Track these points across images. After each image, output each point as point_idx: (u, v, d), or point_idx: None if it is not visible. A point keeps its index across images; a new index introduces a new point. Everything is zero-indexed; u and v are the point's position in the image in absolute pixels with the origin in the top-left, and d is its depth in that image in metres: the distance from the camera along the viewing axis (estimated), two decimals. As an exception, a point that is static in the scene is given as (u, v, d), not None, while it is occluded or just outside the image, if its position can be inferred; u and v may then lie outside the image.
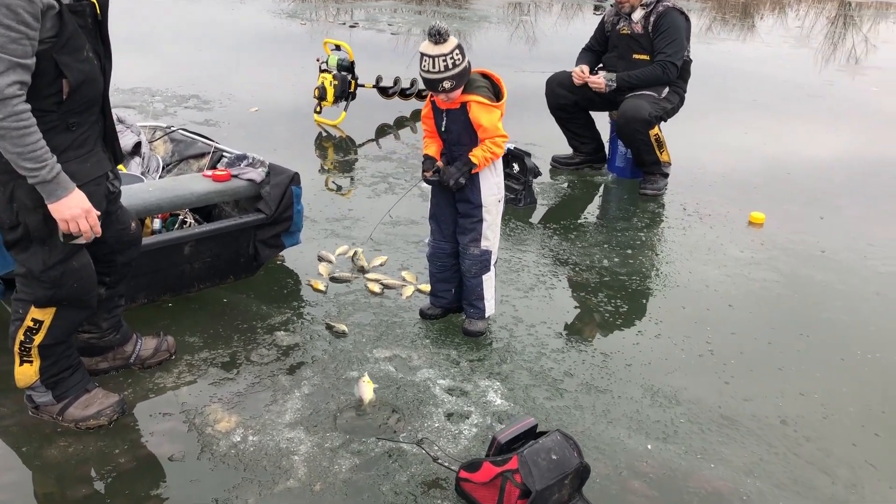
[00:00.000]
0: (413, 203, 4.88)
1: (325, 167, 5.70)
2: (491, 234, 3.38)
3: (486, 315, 3.50)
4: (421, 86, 7.06)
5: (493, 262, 3.44)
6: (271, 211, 3.67)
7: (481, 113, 3.16)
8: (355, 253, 4.16)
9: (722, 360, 3.42)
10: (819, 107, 8.28)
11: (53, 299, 2.55)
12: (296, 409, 2.93)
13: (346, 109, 6.51)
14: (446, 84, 3.12)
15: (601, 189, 5.53)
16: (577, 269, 4.19)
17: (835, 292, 4.10)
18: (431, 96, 3.24)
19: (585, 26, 13.06)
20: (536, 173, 4.99)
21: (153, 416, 2.87)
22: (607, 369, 3.30)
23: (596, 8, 15.05)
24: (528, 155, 4.93)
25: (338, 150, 6.09)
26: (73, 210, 2.38)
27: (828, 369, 3.40)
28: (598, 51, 5.45)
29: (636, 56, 5.18)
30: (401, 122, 6.85)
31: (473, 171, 3.24)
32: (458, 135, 3.29)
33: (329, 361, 3.24)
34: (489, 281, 3.46)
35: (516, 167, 4.98)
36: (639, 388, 3.18)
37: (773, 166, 6.10)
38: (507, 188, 4.95)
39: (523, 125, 6.39)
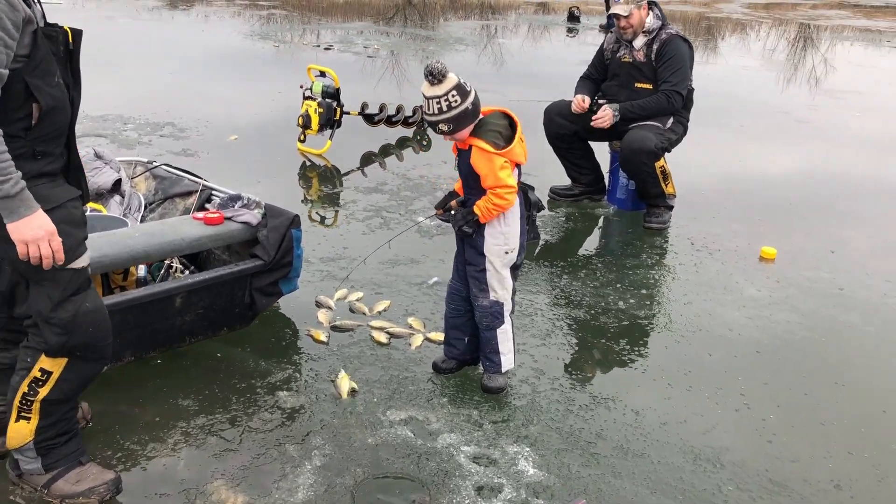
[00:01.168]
0: (413, 240, 4.61)
1: (313, 200, 5.40)
2: (498, 286, 3.12)
3: (503, 370, 3.23)
4: (408, 112, 6.81)
5: (506, 313, 3.17)
6: (269, 257, 3.37)
7: (479, 160, 2.93)
8: (359, 298, 3.88)
9: (760, 415, 3.19)
10: (808, 132, 8.19)
11: (66, 347, 2.29)
12: (308, 484, 2.63)
13: (331, 138, 6.23)
14: (443, 127, 2.92)
15: (602, 222, 5.31)
16: (592, 312, 3.95)
17: (861, 335, 3.91)
18: None
19: (560, 48, 12.96)
20: (540, 207, 4.76)
21: (148, 497, 2.54)
22: (641, 429, 3.04)
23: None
24: (532, 188, 4.69)
25: (324, 182, 5.80)
26: (36, 231, 2.12)
27: (871, 423, 3.19)
28: (596, 79, 5.26)
29: (638, 85, 4.99)
30: (386, 150, 6.57)
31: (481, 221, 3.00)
32: (465, 177, 3.05)
33: (339, 427, 2.94)
34: (504, 334, 3.19)
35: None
36: (678, 451, 2.93)
37: (773, 195, 5.94)
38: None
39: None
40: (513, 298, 3.20)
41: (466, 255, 3.15)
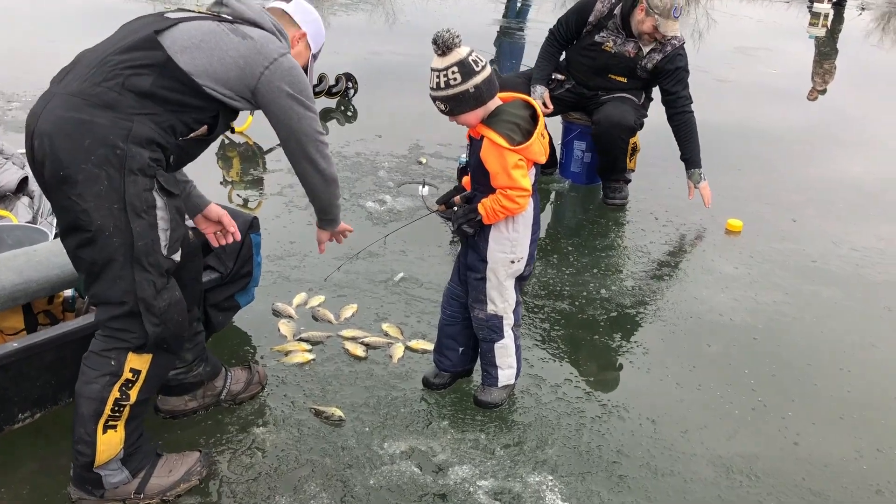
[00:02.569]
0: (365, 229, 4.17)
1: (239, 186, 4.85)
2: (498, 297, 2.76)
3: (500, 384, 2.88)
4: (331, 81, 6.27)
5: (506, 327, 2.82)
6: (227, 268, 2.88)
7: (490, 154, 2.54)
8: (321, 303, 3.43)
9: (778, 413, 2.98)
10: (731, 91, 8.12)
11: (159, 339, 2.18)
12: (311, 546, 2.22)
13: (252, 112, 5.62)
14: (439, 105, 2.55)
15: (559, 197, 5.00)
16: (577, 303, 3.64)
17: (847, 311, 3.78)
18: None
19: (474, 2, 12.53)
20: (501, 187, 4.39)
21: (118, 585, 2.08)
22: (662, 441, 2.77)
23: None
24: (492, 167, 4.32)
25: (248, 163, 5.23)
26: None
27: (890, 413, 3.04)
28: (565, 42, 4.70)
29: (613, 76, 4.57)
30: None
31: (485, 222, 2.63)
32: (474, 171, 2.67)
33: (333, 468, 2.53)
34: (503, 349, 2.84)
35: (478, 181, 4.36)
36: (708, 464, 2.68)
37: (717, 161, 5.75)
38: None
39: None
40: (517, 311, 2.84)
41: (467, 259, 2.77)
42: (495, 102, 2.58)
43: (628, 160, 4.66)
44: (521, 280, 2.82)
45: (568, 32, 4.64)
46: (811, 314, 3.72)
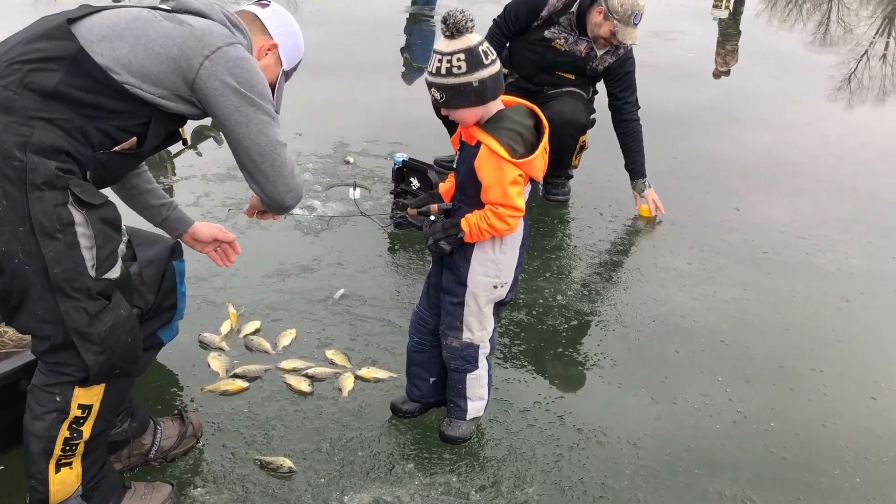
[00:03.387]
0: (293, 240, 3.80)
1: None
2: (476, 325, 2.47)
3: (468, 417, 2.59)
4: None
5: (481, 356, 2.53)
6: (148, 303, 2.48)
7: (487, 164, 2.24)
8: (255, 330, 3.06)
9: (761, 426, 2.80)
10: (654, 75, 8.01)
11: (106, 367, 1.87)
12: None
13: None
14: (434, 93, 2.23)
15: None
16: (534, 312, 3.38)
17: (808, 305, 3.65)
18: None
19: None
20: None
21: None
22: (647, 468, 2.55)
23: None
24: (430, 167, 4.01)
25: (154, 170, 4.75)
26: None
27: (869, 419, 2.90)
28: (509, 36, 4.36)
29: (561, 73, 4.29)
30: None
31: (465, 240, 2.32)
32: (462, 179, 2.36)
33: (288, 531, 2.19)
34: (476, 380, 2.55)
35: (416, 183, 4.04)
36: (700, 495, 2.47)
37: (654, 148, 5.61)
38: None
39: (363, 117, 5.42)
40: (492, 338, 2.54)
41: (442, 280, 2.46)
42: (497, 105, 2.29)
43: (574, 157, 4.42)
44: (499, 305, 2.53)
45: (517, 24, 4.29)
46: (773, 311, 3.57)
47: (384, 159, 4.88)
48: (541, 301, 3.48)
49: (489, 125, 2.25)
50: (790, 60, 8.68)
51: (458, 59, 2.16)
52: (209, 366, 2.85)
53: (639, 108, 4.32)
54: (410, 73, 7.33)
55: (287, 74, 2.17)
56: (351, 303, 3.33)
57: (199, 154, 4.90)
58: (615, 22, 3.93)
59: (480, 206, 2.28)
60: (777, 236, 4.31)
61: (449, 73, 2.17)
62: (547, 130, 2.34)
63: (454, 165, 2.43)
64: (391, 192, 4.15)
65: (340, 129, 5.33)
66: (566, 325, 3.32)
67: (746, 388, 3.00)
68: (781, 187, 5.00)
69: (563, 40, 4.17)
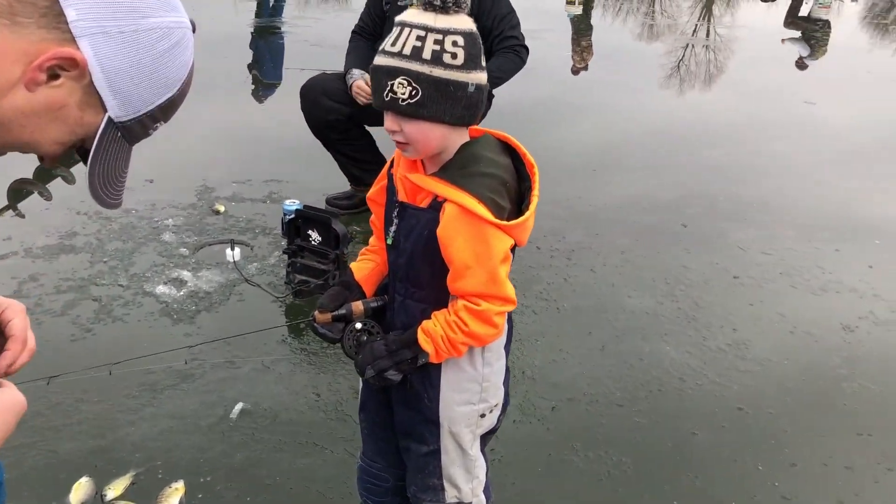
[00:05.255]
0: (166, 331, 2.82)
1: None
2: (463, 477, 1.65)
3: None
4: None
5: None
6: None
7: (459, 233, 1.43)
8: (126, 490, 2.08)
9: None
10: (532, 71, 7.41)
11: None
12: None
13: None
14: (399, 90, 1.37)
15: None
16: (502, 402, 2.57)
17: (834, 353, 3.04)
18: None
19: None
20: (348, 240, 3.19)
21: None
22: None
23: None
24: (334, 215, 3.12)
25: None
26: None
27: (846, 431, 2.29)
28: (373, 34, 3.74)
29: None
30: (47, 172, 4.40)
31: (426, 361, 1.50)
32: (409, 259, 1.52)
33: None
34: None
35: (315, 236, 3.14)
36: None
37: (570, 160, 4.94)
38: (309, 270, 3.12)
39: (227, 150, 4.44)
40: (487, 487, 1.71)
41: (397, 422, 1.60)
42: (464, 136, 1.47)
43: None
44: (488, 434, 1.69)
45: (370, 20, 3.74)
46: (780, 354, 2.92)
47: (263, 203, 3.95)
48: (505, 381, 2.67)
49: (454, 171, 1.45)
50: (625, 52, 8.60)
51: (455, 44, 1.35)
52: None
53: (518, 40, 3.61)
54: (262, 91, 6.40)
55: (124, 129, 0.96)
56: (255, 422, 2.41)
57: (22, 216, 3.77)
58: None
59: (440, 298, 1.47)
60: (738, 255, 3.71)
61: (438, 60, 1.35)
62: (535, 172, 1.55)
63: (389, 235, 1.58)
64: (284, 251, 3.23)
65: (201, 168, 4.34)
66: (549, 411, 2.53)
67: (795, 478, 2.31)
68: (721, 201, 4.43)
69: (415, 2, 3.46)
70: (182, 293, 3.09)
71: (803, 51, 9.44)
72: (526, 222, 1.49)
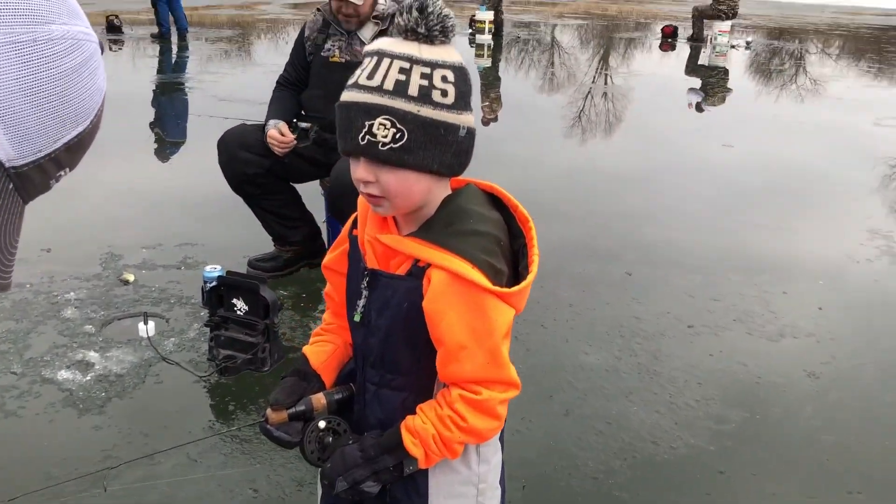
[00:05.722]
0: (69, 423, 2.42)
1: None
2: None
3: None
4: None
5: None
6: None
7: (452, 306, 1.18)
8: None
9: None
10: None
11: None
12: None
13: None
14: (380, 132, 1.12)
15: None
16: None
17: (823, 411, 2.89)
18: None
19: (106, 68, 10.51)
20: (278, 308, 2.87)
21: None
22: None
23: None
24: (262, 281, 2.80)
25: None
26: None
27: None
28: (297, 85, 3.53)
29: None
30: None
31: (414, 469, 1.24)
32: (384, 339, 1.27)
33: None
34: None
35: (242, 306, 2.81)
36: None
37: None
38: (236, 344, 2.79)
39: (136, 211, 4.08)
40: None
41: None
42: (446, 188, 1.24)
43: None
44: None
45: (293, 70, 3.53)
46: (750, 410, 2.75)
47: (178, 269, 3.59)
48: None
49: (438, 229, 1.20)
50: (530, 103, 8.78)
51: (445, 80, 1.12)
52: None
53: None
54: (167, 150, 6.04)
55: (24, 177, 0.66)
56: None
57: None
58: None
59: (424, 385, 1.24)
60: (689, 301, 3.57)
61: (426, 97, 1.11)
62: (532, 227, 1.32)
63: (356, 310, 1.31)
64: (206, 324, 2.88)
65: (105, 233, 3.95)
66: (520, 491, 2.25)
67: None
68: (658, 252, 4.33)
69: (338, 51, 3.37)
70: (89, 378, 2.70)
71: (702, 97, 9.73)
72: (527, 289, 1.25)
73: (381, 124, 1.10)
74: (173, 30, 12.25)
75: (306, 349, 1.43)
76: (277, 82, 3.58)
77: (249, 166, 3.38)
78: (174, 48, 11.47)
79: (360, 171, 1.16)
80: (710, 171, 5.91)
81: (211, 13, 17.28)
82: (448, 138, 1.14)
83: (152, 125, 6.82)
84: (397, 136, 1.11)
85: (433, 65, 1.11)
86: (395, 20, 1.15)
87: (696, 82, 11.10)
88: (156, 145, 6.13)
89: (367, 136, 1.11)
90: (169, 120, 7.34)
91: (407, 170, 1.14)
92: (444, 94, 1.12)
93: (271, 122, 3.34)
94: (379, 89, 1.10)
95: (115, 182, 4.76)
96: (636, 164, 6.02)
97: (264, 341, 2.79)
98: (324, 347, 1.41)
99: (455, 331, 1.18)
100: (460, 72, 1.14)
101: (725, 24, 13.62)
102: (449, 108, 1.13)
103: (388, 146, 1.11)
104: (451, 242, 1.19)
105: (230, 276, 2.81)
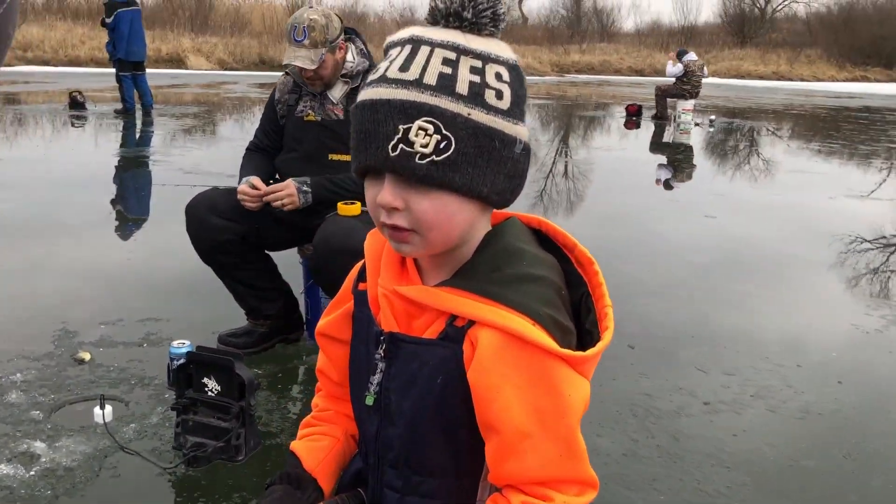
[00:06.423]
0: None
1: None
2: None
3: None
4: None
5: None
6: None
7: (506, 379, 0.91)
8: None
9: None
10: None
11: None
12: None
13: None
14: (418, 139, 0.84)
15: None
16: None
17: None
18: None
19: (70, 143, 10.22)
20: (255, 387, 2.53)
21: None
22: None
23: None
24: (238, 357, 2.47)
25: None
26: None
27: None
28: (271, 150, 3.30)
29: (334, 157, 3.14)
30: None
31: None
32: (410, 428, 0.99)
33: None
34: None
35: (213, 385, 2.47)
36: None
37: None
38: (206, 430, 2.44)
39: (93, 285, 3.73)
40: None
41: None
42: (487, 223, 0.99)
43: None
44: None
45: (264, 135, 3.32)
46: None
47: (139, 347, 3.24)
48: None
49: (481, 276, 0.94)
50: None
51: (500, 78, 0.88)
52: None
53: None
54: (127, 227, 5.70)
55: None
56: None
57: None
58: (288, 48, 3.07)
59: (465, 489, 0.99)
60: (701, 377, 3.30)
61: (478, 97, 0.86)
62: (598, 271, 1.06)
63: (369, 390, 1.02)
64: (172, 407, 2.52)
65: (58, 309, 3.60)
66: None
67: None
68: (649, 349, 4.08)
69: (312, 112, 3.17)
70: (33, 472, 2.32)
71: (669, 174, 9.72)
72: (600, 352, 0.98)
73: (420, 129, 0.83)
74: (138, 106, 12.06)
75: (296, 446, 1.13)
76: (248, 149, 3.35)
77: (221, 233, 3.07)
78: (139, 124, 11.25)
79: (385, 193, 0.88)
80: (695, 241, 5.75)
81: (176, 91, 17.19)
82: (503, 153, 0.88)
83: (113, 201, 6.50)
84: (441, 145, 0.84)
85: (485, 58, 0.86)
86: (432, 3, 0.90)
87: (663, 158, 11.13)
88: (117, 221, 5.81)
89: (401, 145, 0.84)
90: (131, 195, 7.03)
91: (449, 192, 0.87)
92: (500, 95, 0.86)
93: (244, 178, 3.08)
94: (418, 84, 0.84)
95: (73, 259, 4.42)
96: (613, 237, 5.83)
97: (239, 426, 2.44)
98: (319, 443, 1.12)
99: (514, 413, 0.90)
100: (516, 72, 0.89)
101: (689, 103, 13.87)
102: (504, 114, 0.87)
103: (427, 158, 0.84)
104: (501, 292, 0.92)
105: (201, 352, 2.47)
